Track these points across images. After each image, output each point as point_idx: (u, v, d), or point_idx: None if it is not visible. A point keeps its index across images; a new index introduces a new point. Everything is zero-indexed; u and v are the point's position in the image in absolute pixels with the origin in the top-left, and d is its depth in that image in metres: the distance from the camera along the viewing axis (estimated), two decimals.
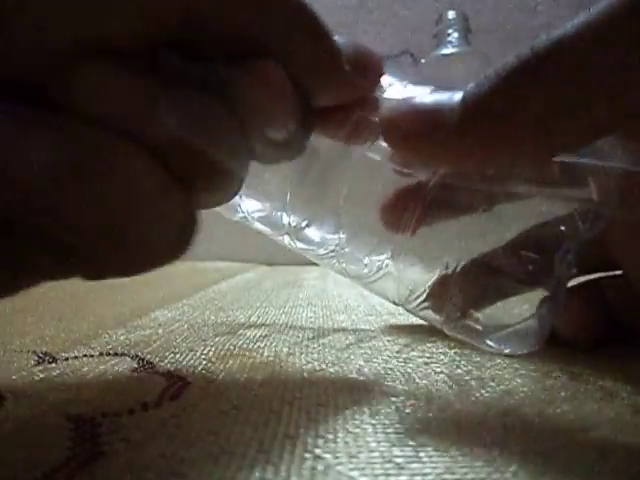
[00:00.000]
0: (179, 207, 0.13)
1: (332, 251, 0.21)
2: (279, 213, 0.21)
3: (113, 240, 0.12)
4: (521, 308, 0.18)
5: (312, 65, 0.15)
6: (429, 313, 0.20)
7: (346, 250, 0.21)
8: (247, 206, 0.21)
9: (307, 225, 0.21)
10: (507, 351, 0.19)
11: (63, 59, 0.11)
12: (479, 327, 0.19)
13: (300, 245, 0.22)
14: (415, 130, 0.16)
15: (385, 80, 0.19)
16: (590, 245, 0.18)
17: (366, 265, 0.21)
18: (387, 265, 0.20)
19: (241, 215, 0.21)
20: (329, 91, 0.16)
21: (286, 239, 0.22)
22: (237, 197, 0.17)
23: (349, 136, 0.18)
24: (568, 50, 0.14)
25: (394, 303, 0.21)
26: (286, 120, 0.15)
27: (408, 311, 0.21)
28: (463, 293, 0.19)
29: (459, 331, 0.20)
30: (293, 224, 0.21)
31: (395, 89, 0.18)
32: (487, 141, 0.15)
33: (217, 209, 0.18)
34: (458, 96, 0.16)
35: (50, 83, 0.11)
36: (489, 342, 0.19)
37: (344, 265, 0.21)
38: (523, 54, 0.15)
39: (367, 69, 0.17)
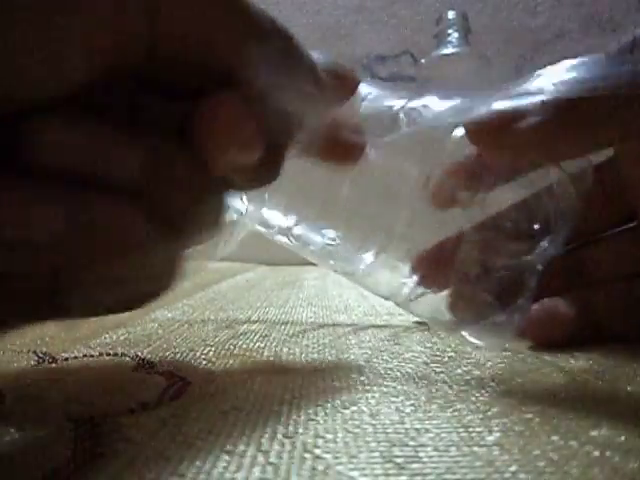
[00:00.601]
0: (165, 252, 0.13)
1: (324, 248, 0.21)
2: (271, 212, 0.21)
3: (106, 285, 0.12)
4: (496, 302, 0.18)
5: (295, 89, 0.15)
6: (416, 306, 0.21)
7: (338, 247, 0.21)
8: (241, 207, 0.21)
9: (297, 224, 0.21)
10: (481, 344, 0.19)
11: (14, 116, 0.11)
12: (457, 318, 0.19)
13: (294, 243, 0.22)
14: (502, 126, 0.17)
15: (363, 89, 0.19)
16: (609, 199, 0.20)
17: (357, 261, 0.21)
18: (376, 260, 0.21)
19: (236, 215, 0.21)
20: (309, 111, 0.16)
21: (279, 238, 0.22)
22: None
23: (330, 157, 0.19)
24: None
25: (385, 298, 0.22)
26: (252, 152, 0.14)
27: (398, 305, 0.22)
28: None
29: (439, 323, 0.21)
30: (285, 224, 0.21)
31: (431, 100, 0.19)
32: (570, 124, 0.17)
33: None
34: (536, 99, 0.17)
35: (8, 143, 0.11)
36: (464, 333, 0.19)
37: (336, 262, 0.22)
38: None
39: (343, 79, 0.18)
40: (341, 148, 0.19)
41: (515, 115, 0.17)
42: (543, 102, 0.17)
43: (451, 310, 0.20)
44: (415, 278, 0.20)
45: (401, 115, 0.19)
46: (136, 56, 0.12)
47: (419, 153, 0.20)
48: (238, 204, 0.21)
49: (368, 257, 0.21)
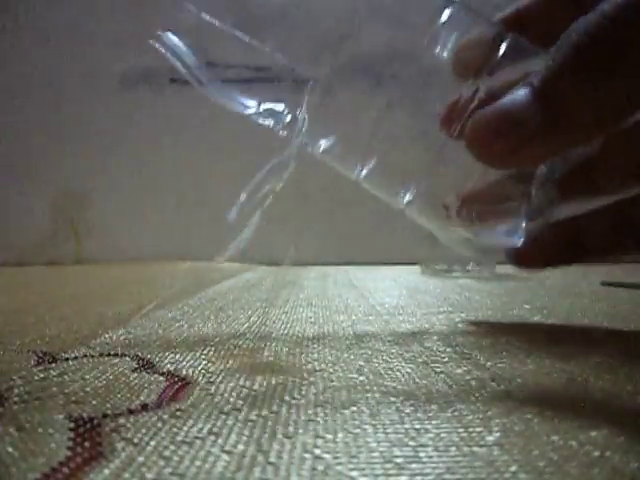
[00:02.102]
0: None
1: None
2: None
3: None
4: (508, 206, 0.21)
5: None
6: (411, 212, 0.23)
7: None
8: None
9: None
10: (495, 243, 0.21)
11: None
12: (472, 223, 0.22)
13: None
14: (497, 135, 0.18)
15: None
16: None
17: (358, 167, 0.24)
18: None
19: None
20: None
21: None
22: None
23: None
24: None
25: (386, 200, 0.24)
26: None
27: (403, 208, 0.23)
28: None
29: (454, 225, 0.23)
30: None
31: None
32: (567, 127, 0.17)
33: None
34: (527, 91, 0.17)
35: None
36: (479, 237, 0.21)
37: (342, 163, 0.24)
38: (575, 40, 0.17)
39: None
40: None
41: (512, 116, 0.17)
42: (536, 92, 0.17)
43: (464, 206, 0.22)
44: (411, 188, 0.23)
45: None
46: None
47: None
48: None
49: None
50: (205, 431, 0.12)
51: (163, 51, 0.24)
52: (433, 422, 0.13)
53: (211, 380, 0.16)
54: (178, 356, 0.19)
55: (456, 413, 0.13)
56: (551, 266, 0.24)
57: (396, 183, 0.23)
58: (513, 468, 0.10)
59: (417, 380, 0.16)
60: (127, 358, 0.19)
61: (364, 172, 0.23)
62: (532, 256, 0.23)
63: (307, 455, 0.11)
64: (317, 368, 0.18)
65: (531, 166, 0.20)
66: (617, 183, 0.22)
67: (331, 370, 0.17)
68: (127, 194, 0.95)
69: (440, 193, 0.23)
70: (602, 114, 0.17)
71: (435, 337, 0.22)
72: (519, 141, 0.17)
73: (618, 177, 0.22)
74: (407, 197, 0.23)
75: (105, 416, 0.13)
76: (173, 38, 0.25)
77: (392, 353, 0.20)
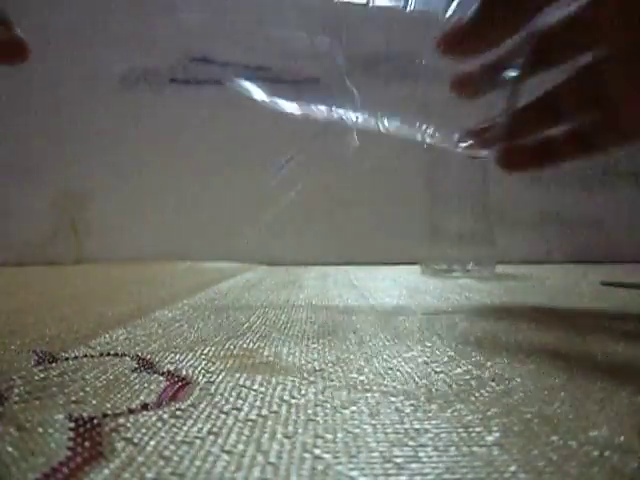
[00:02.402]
0: None
1: None
2: None
3: None
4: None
5: None
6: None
7: None
8: None
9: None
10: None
11: None
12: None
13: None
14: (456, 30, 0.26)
15: None
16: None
17: None
18: None
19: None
20: None
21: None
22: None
23: None
24: None
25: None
26: None
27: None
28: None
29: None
30: None
31: None
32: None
33: None
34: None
35: None
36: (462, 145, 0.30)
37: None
38: None
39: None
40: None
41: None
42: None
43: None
44: None
45: None
46: None
47: None
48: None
49: None
50: (205, 431, 0.12)
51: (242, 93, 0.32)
52: (433, 422, 0.13)
53: (211, 380, 0.16)
54: (178, 356, 0.19)
55: (456, 413, 0.13)
56: (526, 169, 0.32)
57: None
58: (513, 468, 0.10)
59: (417, 380, 0.16)
60: (127, 358, 0.19)
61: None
62: (511, 160, 0.30)
63: (307, 455, 0.11)
64: (317, 368, 0.18)
65: (490, 48, 0.26)
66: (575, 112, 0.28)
67: (331, 370, 0.17)
68: (127, 194, 0.95)
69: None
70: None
71: (435, 337, 0.22)
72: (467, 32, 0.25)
73: (576, 109, 0.28)
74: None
75: (105, 416, 0.13)
76: (244, 83, 0.33)
77: (392, 353, 0.20)
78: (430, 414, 0.13)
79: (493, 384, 0.16)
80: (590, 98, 0.27)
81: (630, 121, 0.26)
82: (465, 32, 0.25)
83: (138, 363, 0.18)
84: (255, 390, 0.15)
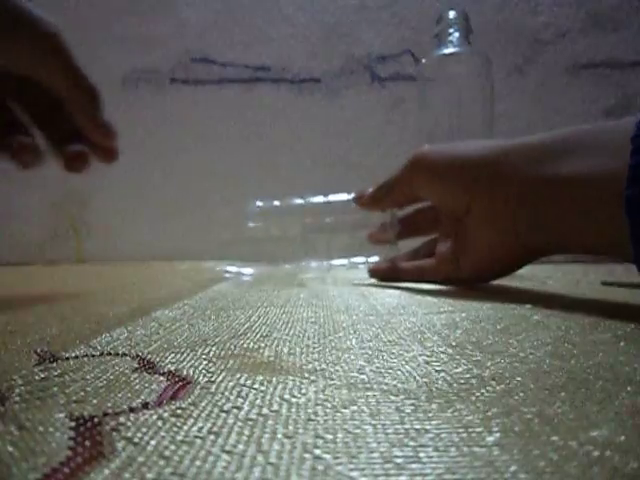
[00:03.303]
0: None
1: None
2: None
3: None
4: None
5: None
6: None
7: None
8: None
9: None
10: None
11: None
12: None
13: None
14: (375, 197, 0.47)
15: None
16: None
17: None
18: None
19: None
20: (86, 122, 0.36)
21: None
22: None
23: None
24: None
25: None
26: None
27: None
28: None
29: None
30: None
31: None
32: None
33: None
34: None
35: None
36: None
37: None
38: None
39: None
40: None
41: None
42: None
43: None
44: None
45: None
46: None
47: None
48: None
49: None
50: (205, 430, 0.12)
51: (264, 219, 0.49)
52: (433, 422, 0.13)
53: (212, 379, 0.16)
54: (179, 356, 0.19)
55: (456, 413, 0.13)
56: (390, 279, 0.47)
57: None
58: (513, 468, 0.10)
59: (417, 379, 0.16)
60: (128, 358, 0.19)
61: None
62: (379, 271, 0.49)
63: (307, 455, 0.11)
64: (317, 367, 0.18)
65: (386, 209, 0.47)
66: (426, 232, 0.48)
67: (331, 369, 0.17)
68: (127, 194, 0.95)
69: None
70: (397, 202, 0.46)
71: (436, 337, 0.22)
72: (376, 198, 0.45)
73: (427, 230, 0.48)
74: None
75: (106, 415, 0.13)
76: (260, 203, 0.50)
77: (393, 353, 0.20)
78: (430, 414, 0.13)
79: (493, 383, 0.16)
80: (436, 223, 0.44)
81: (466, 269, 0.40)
82: (366, 199, 0.46)
83: (139, 363, 0.18)
84: (256, 389, 0.15)
